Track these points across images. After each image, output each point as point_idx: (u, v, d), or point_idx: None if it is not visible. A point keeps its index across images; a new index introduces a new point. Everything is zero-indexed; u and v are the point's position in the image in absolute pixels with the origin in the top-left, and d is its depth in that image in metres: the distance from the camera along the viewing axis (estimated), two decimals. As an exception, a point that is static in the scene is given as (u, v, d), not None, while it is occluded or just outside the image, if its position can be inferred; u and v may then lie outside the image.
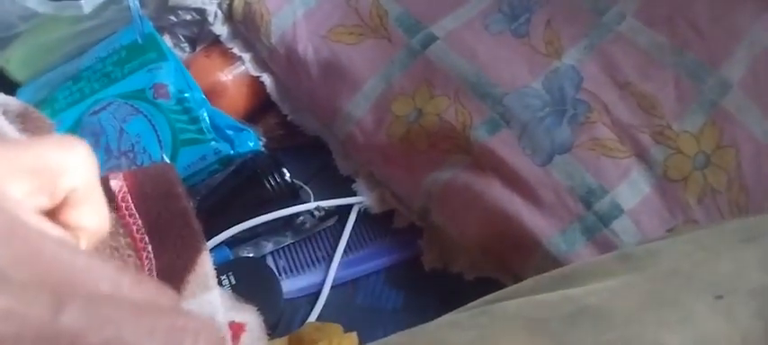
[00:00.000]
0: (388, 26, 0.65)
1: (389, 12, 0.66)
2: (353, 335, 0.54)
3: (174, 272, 0.46)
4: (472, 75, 0.60)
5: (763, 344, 0.38)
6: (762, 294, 0.40)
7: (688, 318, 0.38)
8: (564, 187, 0.54)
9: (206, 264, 0.47)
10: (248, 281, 0.57)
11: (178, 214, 0.48)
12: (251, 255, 0.63)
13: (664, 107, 0.55)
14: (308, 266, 0.63)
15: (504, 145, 0.56)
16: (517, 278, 0.53)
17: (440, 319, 0.41)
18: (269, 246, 0.64)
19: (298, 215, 0.63)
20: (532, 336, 0.37)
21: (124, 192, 0.48)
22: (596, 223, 0.53)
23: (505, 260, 0.57)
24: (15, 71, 0.69)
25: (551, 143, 0.55)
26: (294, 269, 0.63)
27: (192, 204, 0.50)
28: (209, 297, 0.46)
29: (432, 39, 0.63)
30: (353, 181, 0.66)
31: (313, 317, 0.60)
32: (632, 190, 0.53)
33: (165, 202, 0.49)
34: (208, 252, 0.47)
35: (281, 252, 0.64)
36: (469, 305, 0.42)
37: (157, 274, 0.47)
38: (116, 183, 0.49)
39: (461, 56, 0.61)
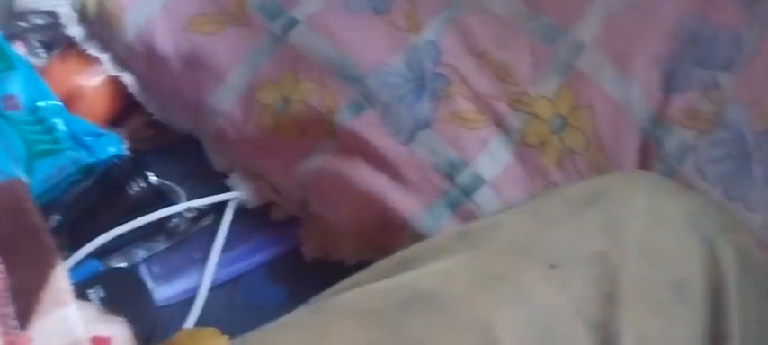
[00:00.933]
0: (248, 12, 0.66)
1: (249, -3, 0.67)
2: (225, 339, 0.56)
3: (26, 289, 0.48)
4: (335, 57, 0.62)
5: (597, 311, 0.40)
6: (595, 260, 0.42)
7: (520, 293, 0.40)
8: (428, 163, 0.57)
9: (60, 279, 0.48)
10: (118, 293, 0.58)
11: (28, 230, 0.50)
12: (123, 265, 0.64)
13: (519, 74, 0.58)
14: (186, 269, 0.65)
15: (367, 127, 0.59)
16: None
17: (279, 319, 0.44)
18: (141, 253, 0.65)
19: (170, 217, 0.64)
20: (364, 329, 0.40)
21: (-29, 213, 0.49)
22: (459, 196, 0.56)
23: (380, 243, 0.60)
24: None
25: (413, 120, 0.58)
26: (171, 274, 0.65)
27: (42, 218, 0.51)
28: (64, 313, 0.48)
29: (293, 23, 0.64)
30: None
31: (190, 322, 0.62)
32: (492, 160, 0.57)
33: (14, 219, 0.50)
34: (61, 266, 0.49)
35: (156, 258, 0.65)
36: (313, 298, 0.45)
37: (11, 292, 0.48)
38: (-39, 205, 0.50)
39: (323, 38, 0.63)
